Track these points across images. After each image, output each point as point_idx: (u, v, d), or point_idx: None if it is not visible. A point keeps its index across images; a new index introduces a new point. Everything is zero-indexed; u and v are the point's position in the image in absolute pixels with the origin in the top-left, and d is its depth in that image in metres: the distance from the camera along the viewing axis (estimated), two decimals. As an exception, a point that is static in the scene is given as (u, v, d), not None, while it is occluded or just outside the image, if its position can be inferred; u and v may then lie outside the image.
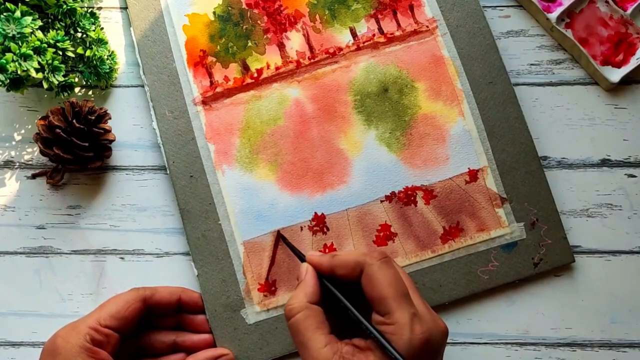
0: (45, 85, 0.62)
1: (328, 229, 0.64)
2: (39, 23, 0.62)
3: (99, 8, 0.70)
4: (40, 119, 0.63)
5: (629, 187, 0.67)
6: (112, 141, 0.65)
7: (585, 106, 0.69)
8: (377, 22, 0.68)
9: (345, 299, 0.54)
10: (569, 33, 0.68)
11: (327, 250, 0.64)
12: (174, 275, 0.65)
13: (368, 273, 0.52)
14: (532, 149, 0.66)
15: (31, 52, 0.61)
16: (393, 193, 0.65)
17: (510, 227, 0.65)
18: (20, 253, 0.66)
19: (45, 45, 0.62)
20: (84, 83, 0.68)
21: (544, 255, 0.64)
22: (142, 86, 0.68)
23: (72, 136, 0.62)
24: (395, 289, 0.51)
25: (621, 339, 0.64)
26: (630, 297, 0.65)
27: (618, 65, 0.68)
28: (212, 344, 0.62)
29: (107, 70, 0.66)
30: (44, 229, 0.66)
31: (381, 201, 0.65)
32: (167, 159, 0.65)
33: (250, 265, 0.64)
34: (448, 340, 0.64)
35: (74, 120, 0.62)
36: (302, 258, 0.58)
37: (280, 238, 0.63)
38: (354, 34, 0.68)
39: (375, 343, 0.50)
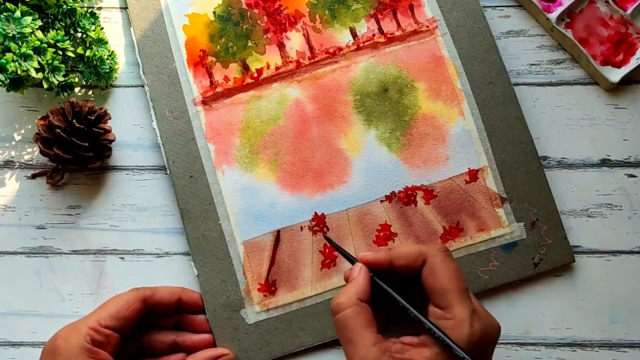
0: (45, 85, 0.62)
1: (328, 229, 0.64)
2: (39, 23, 0.62)
3: (99, 8, 0.70)
4: (40, 119, 0.63)
5: (629, 187, 0.67)
6: (112, 141, 0.65)
7: (585, 106, 0.69)
8: (377, 22, 0.68)
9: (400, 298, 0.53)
10: (569, 33, 0.68)
11: (327, 251, 0.64)
12: (174, 275, 0.65)
13: (431, 264, 0.52)
14: (532, 149, 0.66)
15: (31, 52, 0.61)
16: (393, 193, 0.65)
17: (511, 227, 0.65)
18: (20, 253, 0.66)
19: (45, 45, 0.62)
20: (84, 83, 0.68)
21: (544, 255, 0.64)
22: (142, 86, 0.68)
23: (72, 136, 0.62)
24: (458, 283, 0.51)
25: (621, 339, 0.64)
26: (630, 297, 0.65)
27: (618, 65, 0.68)
28: (212, 344, 0.62)
29: (107, 70, 0.66)
30: (44, 229, 0.66)
31: (381, 201, 0.65)
32: (167, 159, 0.65)
33: (250, 265, 0.64)
34: (448, 340, 0.64)
35: (74, 120, 0.62)
36: (353, 260, 0.57)
37: (327, 241, 0.61)
38: (354, 34, 0.68)
39: (433, 338, 0.50)
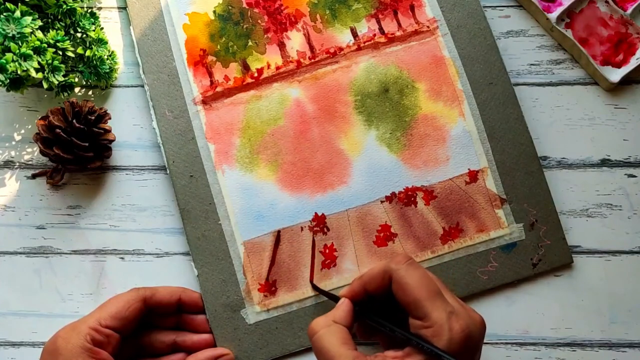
0: (45, 85, 0.62)
1: (328, 229, 0.64)
2: (39, 23, 0.62)
3: (99, 8, 0.70)
4: (40, 119, 0.63)
5: (629, 187, 0.67)
6: (112, 141, 0.65)
7: (585, 106, 0.69)
8: (378, 22, 0.68)
9: (386, 320, 0.54)
10: (569, 33, 0.68)
11: (327, 251, 0.64)
12: (174, 275, 0.65)
13: (396, 279, 0.52)
14: (532, 150, 0.66)
15: (31, 52, 0.60)
16: (393, 193, 0.65)
17: (510, 228, 0.65)
18: (20, 253, 0.66)
19: (45, 45, 0.61)
20: (84, 83, 0.68)
21: (543, 256, 0.65)
22: (142, 86, 0.68)
23: (72, 136, 0.62)
24: (428, 290, 0.51)
25: (621, 339, 0.64)
26: (630, 297, 0.65)
27: (618, 65, 0.68)
28: (212, 344, 0.62)
29: (107, 70, 0.66)
30: (44, 229, 0.66)
31: (381, 202, 0.65)
32: (167, 159, 0.65)
33: (251, 265, 0.64)
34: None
35: (74, 120, 0.62)
36: (337, 299, 0.58)
37: (314, 288, 0.63)
38: (354, 33, 0.68)
39: (416, 348, 0.50)
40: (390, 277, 0.53)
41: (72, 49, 0.64)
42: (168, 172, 0.65)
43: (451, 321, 0.50)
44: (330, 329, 0.53)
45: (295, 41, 0.68)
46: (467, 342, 0.50)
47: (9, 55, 0.60)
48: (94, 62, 0.65)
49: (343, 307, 0.55)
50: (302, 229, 0.64)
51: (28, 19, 0.61)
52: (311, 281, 0.63)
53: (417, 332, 0.51)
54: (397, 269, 0.52)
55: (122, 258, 0.66)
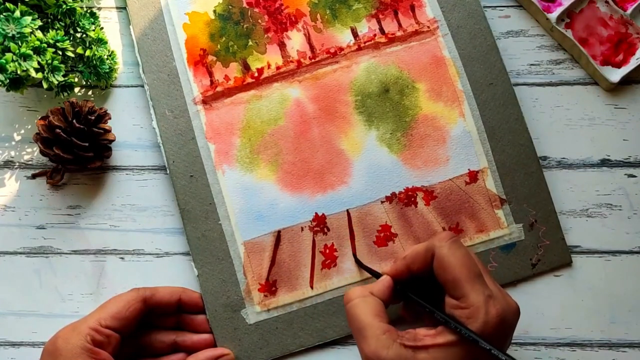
0: (45, 85, 0.62)
1: (328, 230, 0.64)
2: (39, 23, 0.62)
3: (99, 8, 0.70)
4: (40, 119, 0.63)
5: (629, 187, 0.67)
6: (112, 141, 0.65)
7: (585, 106, 0.69)
8: (378, 22, 0.68)
9: (427, 302, 0.54)
10: (569, 33, 0.68)
11: (327, 251, 0.64)
12: (174, 275, 0.65)
13: (439, 256, 0.52)
14: (532, 151, 0.66)
15: (31, 52, 0.60)
16: (393, 194, 0.65)
17: (509, 228, 0.65)
18: (20, 253, 0.65)
19: (45, 45, 0.61)
20: (84, 83, 0.68)
21: (542, 256, 0.65)
22: (142, 86, 0.68)
23: (72, 136, 0.62)
24: (469, 270, 0.51)
25: (621, 339, 0.64)
26: (630, 297, 0.65)
27: (618, 65, 0.68)
28: (213, 344, 0.62)
29: (107, 70, 0.66)
30: (44, 229, 0.66)
31: (382, 202, 0.65)
32: (167, 159, 0.65)
33: (251, 265, 0.64)
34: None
35: (74, 120, 0.62)
36: (378, 275, 0.58)
37: (357, 263, 0.63)
38: (355, 34, 0.68)
39: (449, 328, 0.50)
40: (433, 255, 0.53)
41: (71, 48, 0.64)
42: (168, 172, 0.65)
43: (488, 305, 0.50)
44: (365, 299, 0.53)
45: (295, 41, 0.68)
46: (501, 327, 0.50)
47: (8, 55, 0.59)
48: (94, 62, 0.65)
49: (383, 282, 0.55)
50: (302, 229, 0.64)
51: (28, 18, 0.61)
52: (354, 254, 0.64)
53: (451, 312, 0.51)
54: (440, 246, 0.52)
55: (122, 258, 0.66)
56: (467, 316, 0.50)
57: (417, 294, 0.56)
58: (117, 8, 0.70)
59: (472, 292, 0.50)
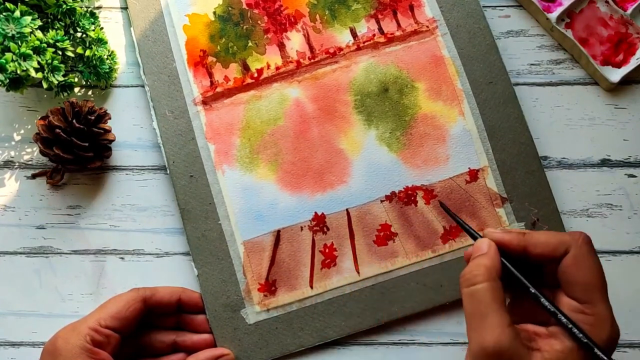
0: (45, 85, 0.62)
1: (328, 229, 0.64)
2: (39, 23, 0.62)
3: (99, 8, 0.70)
4: (40, 119, 0.63)
5: (629, 187, 0.67)
6: (112, 141, 0.65)
7: (585, 106, 0.69)
8: (377, 22, 0.68)
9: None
10: (569, 33, 0.68)
11: (327, 250, 0.64)
12: (174, 275, 0.65)
13: (577, 255, 0.49)
14: (533, 149, 0.66)
15: (31, 52, 0.60)
16: (393, 193, 0.65)
17: (511, 227, 0.65)
18: (20, 253, 0.65)
19: (45, 45, 0.62)
20: (84, 83, 0.68)
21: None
22: (142, 86, 0.68)
23: (72, 136, 0.62)
24: (602, 280, 0.49)
25: (621, 339, 0.63)
26: (630, 297, 0.65)
27: (618, 65, 0.68)
28: (212, 344, 0.62)
29: (107, 70, 0.66)
30: (44, 229, 0.66)
31: (381, 201, 0.65)
32: (167, 159, 0.65)
33: (251, 265, 0.63)
34: (448, 340, 0.64)
35: (74, 120, 0.62)
36: (475, 235, 0.54)
37: (443, 208, 0.60)
38: (354, 34, 0.68)
39: (564, 331, 0.47)
40: (566, 251, 0.49)
41: (71, 48, 0.64)
42: (168, 172, 0.65)
43: (614, 320, 0.48)
44: (492, 284, 0.48)
45: (294, 41, 0.68)
46: (615, 345, 0.48)
47: (8, 55, 0.60)
48: (94, 62, 0.65)
49: (495, 255, 0.50)
50: (302, 228, 0.64)
51: (28, 18, 0.61)
52: (440, 201, 0.63)
53: (571, 315, 0.48)
54: (581, 245, 0.49)
55: (122, 258, 0.66)
56: (591, 324, 0.47)
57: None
58: (117, 8, 0.70)
59: (601, 301, 0.48)
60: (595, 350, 0.46)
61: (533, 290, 0.50)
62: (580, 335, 0.46)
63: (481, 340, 0.47)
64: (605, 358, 0.46)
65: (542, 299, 0.49)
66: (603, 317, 0.47)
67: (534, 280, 0.50)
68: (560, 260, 0.49)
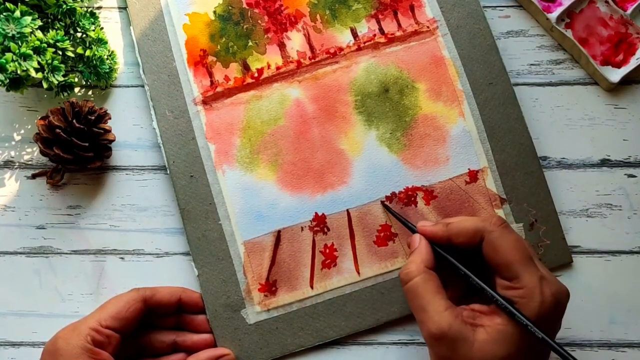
0: (45, 85, 0.62)
1: (328, 229, 0.64)
2: (39, 23, 0.62)
3: (99, 8, 0.70)
4: (40, 119, 0.63)
5: (629, 187, 0.67)
6: (112, 141, 0.65)
7: (585, 106, 0.69)
8: (378, 22, 0.68)
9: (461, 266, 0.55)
10: (569, 33, 0.68)
11: (327, 251, 0.64)
12: (174, 275, 0.65)
13: (490, 240, 0.53)
14: (532, 150, 0.66)
15: (31, 52, 0.60)
16: (393, 193, 0.65)
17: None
18: (20, 253, 0.65)
19: (45, 45, 0.61)
20: (84, 83, 0.68)
21: (542, 256, 0.64)
22: (142, 86, 0.68)
23: (72, 136, 0.62)
24: (521, 253, 0.52)
25: (620, 339, 0.64)
26: (629, 297, 0.65)
27: (618, 65, 0.68)
28: (213, 344, 0.62)
29: (107, 70, 0.66)
30: (44, 229, 0.66)
31: (381, 201, 0.65)
32: (167, 159, 0.65)
33: (251, 265, 0.64)
34: (448, 341, 0.64)
35: (74, 120, 0.62)
36: (413, 229, 0.59)
37: (384, 208, 0.64)
38: (354, 34, 0.68)
39: (500, 308, 0.51)
40: (482, 237, 0.53)
41: (71, 48, 0.64)
42: (168, 172, 0.65)
43: (542, 285, 0.51)
44: (423, 276, 0.54)
45: (295, 41, 0.68)
46: (556, 308, 0.51)
47: (8, 55, 0.60)
48: (94, 62, 0.65)
49: (425, 248, 0.56)
50: (302, 228, 0.64)
51: (28, 18, 0.61)
52: (382, 201, 0.65)
53: (504, 294, 0.52)
54: (492, 230, 0.53)
55: (122, 258, 0.66)
56: (521, 296, 0.51)
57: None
58: (117, 8, 0.70)
59: (525, 273, 0.51)
60: (516, 316, 0.50)
61: (463, 272, 0.54)
62: (503, 306, 0.51)
63: (426, 329, 0.52)
64: (528, 322, 0.50)
65: (471, 278, 0.54)
66: (530, 287, 0.51)
67: (472, 265, 0.54)
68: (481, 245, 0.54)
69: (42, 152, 0.63)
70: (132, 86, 0.68)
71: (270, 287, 0.63)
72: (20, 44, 0.61)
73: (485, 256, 0.53)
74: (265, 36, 0.68)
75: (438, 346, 0.52)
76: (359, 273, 0.64)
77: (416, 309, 0.53)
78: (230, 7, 0.68)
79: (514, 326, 0.50)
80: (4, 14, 0.60)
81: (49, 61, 0.62)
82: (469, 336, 0.50)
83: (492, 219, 0.54)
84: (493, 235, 0.53)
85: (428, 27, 0.68)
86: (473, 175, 0.65)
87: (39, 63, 0.61)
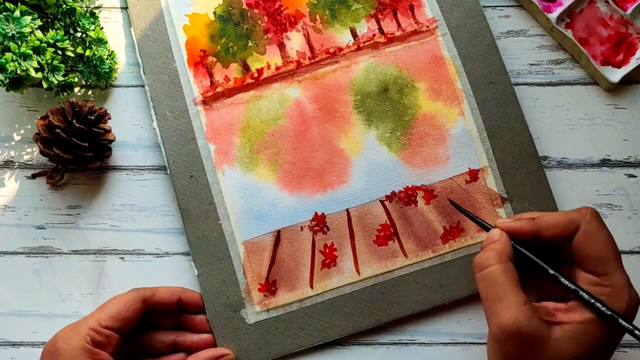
0: (44, 85, 0.62)
1: (328, 229, 0.64)
2: (39, 23, 0.62)
3: (99, 8, 0.70)
4: (40, 119, 0.63)
5: (629, 187, 0.67)
6: (112, 141, 0.65)
7: (585, 106, 0.69)
8: (378, 22, 0.68)
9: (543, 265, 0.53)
10: (569, 33, 0.68)
11: (327, 250, 0.64)
12: (174, 275, 0.65)
13: (587, 230, 0.50)
14: (533, 149, 0.66)
15: (31, 52, 0.60)
16: (393, 193, 0.65)
17: (511, 227, 0.65)
18: (20, 253, 0.65)
19: (45, 44, 0.62)
20: (84, 83, 0.68)
21: (544, 255, 0.64)
22: (142, 86, 0.68)
23: (72, 136, 0.62)
24: (614, 250, 0.50)
25: (621, 339, 0.64)
26: (630, 297, 0.65)
27: (618, 65, 0.68)
28: (213, 344, 0.62)
29: (107, 70, 0.66)
30: (44, 229, 0.66)
31: (381, 201, 0.65)
32: (168, 159, 0.65)
33: (251, 265, 0.63)
34: (449, 340, 0.64)
35: (74, 120, 0.62)
36: (487, 227, 0.57)
37: (453, 205, 0.62)
38: (354, 34, 0.68)
39: (582, 304, 0.49)
40: (577, 228, 0.51)
41: (71, 48, 0.64)
42: (168, 172, 0.65)
43: (631, 287, 0.49)
44: (504, 266, 0.51)
45: (295, 41, 0.68)
46: (635, 312, 0.49)
47: (8, 55, 0.60)
48: (94, 61, 0.65)
49: (506, 241, 0.53)
50: (302, 228, 0.64)
51: (28, 18, 0.61)
52: (449, 199, 0.64)
53: (589, 289, 0.49)
54: (590, 220, 0.51)
55: (122, 258, 0.66)
56: (609, 295, 0.49)
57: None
58: (117, 8, 0.70)
59: (617, 272, 0.49)
60: (620, 320, 0.48)
61: (552, 272, 0.51)
62: (604, 308, 0.48)
63: (499, 322, 0.49)
64: (630, 327, 0.47)
65: (562, 279, 0.51)
66: (620, 287, 0.49)
67: (550, 258, 0.52)
68: (572, 237, 0.51)
69: (42, 152, 0.63)
70: (132, 86, 0.68)
71: (270, 287, 0.63)
72: (20, 43, 0.61)
73: (575, 248, 0.51)
74: (265, 36, 0.68)
75: (509, 341, 0.48)
76: (359, 273, 0.64)
77: (490, 299, 0.50)
78: (230, 8, 0.68)
79: (596, 324, 0.48)
80: (4, 13, 0.60)
81: (49, 61, 0.62)
82: (545, 333, 0.48)
83: (586, 210, 0.52)
84: (591, 225, 0.50)
85: (428, 26, 0.68)
86: (473, 175, 0.65)
87: (38, 63, 0.61)
